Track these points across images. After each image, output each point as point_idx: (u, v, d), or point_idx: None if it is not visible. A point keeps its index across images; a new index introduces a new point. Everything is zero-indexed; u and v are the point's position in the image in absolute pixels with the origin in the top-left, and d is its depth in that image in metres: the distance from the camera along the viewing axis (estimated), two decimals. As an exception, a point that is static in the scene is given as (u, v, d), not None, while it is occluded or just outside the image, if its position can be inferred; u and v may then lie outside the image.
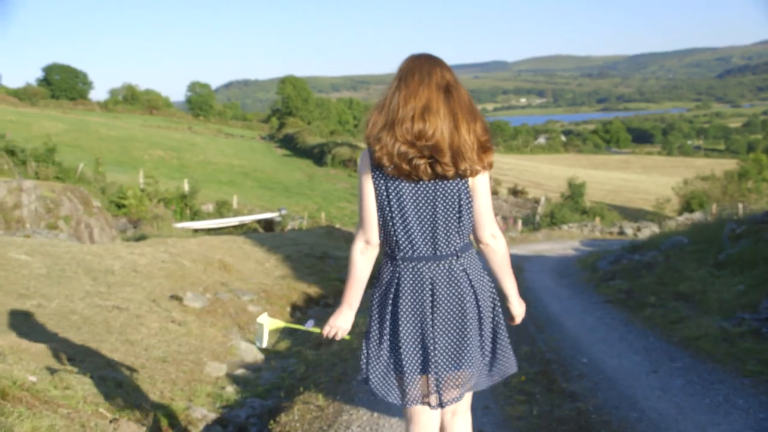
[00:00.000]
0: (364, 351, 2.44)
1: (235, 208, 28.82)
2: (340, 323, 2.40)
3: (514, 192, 43.20)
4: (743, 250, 8.28)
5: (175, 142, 54.07)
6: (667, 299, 7.21)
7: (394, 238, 2.32)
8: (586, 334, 6.29)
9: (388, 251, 2.38)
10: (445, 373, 2.33)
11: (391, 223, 2.30)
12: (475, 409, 3.97)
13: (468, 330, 2.32)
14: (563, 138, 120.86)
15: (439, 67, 2.33)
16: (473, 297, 2.34)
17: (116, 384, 4.38)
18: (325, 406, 4.07)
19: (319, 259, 11.32)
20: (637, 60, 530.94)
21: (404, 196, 2.27)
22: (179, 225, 22.26)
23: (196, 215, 25.98)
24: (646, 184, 58.38)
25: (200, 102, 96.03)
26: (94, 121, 59.91)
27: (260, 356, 6.34)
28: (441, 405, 2.36)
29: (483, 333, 2.38)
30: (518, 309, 2.52)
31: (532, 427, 3.66)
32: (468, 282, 2.33)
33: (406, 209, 2.28)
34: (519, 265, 13.89)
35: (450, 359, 2.32)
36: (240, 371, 5.72)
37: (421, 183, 2.27)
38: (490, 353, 2.44)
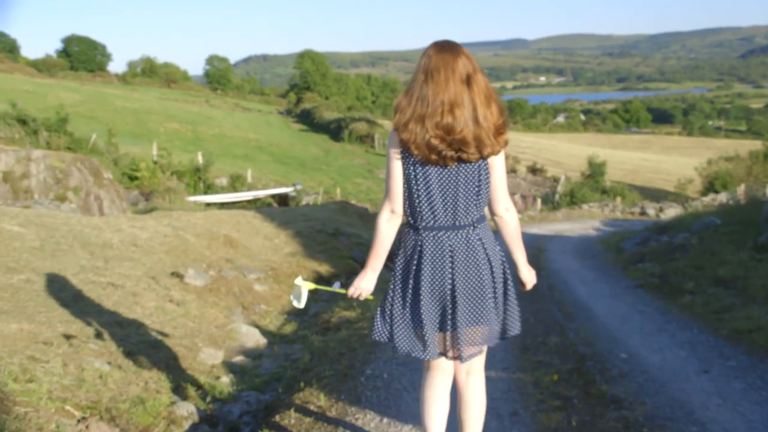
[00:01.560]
0: (388, 312, 2.62)
1: (249, 183, 28.34)
2: (364, 285, 2.61)
3: (533, 170, 42.39)
4: (786, 233, 7.67)
5: (191, 116, 53.57)
6: (706, 285, 6.59)
7: (418, 210, 2.51)
8: (620, 323, 5.70)
9: (411, 222, 2.57)
10: (464, 329, 2.54)
11: (416, 198, 2.49)
12: (503, 416, 3.43)
13: (485, 292, 2.53)
14: (582, 117, 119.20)
15: (461, 57, 2.47)
16: (487, 263, 2.54)
17: (95, 374, 3.90)
18: (327, 408, 3.52)
19: (331, 235, 10.79)
20: (658, 39, 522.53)
21: (431, 178, 2.46)
22: (192, 198, 21.86)
23: (209, 189, 25.55)
24: (667, 164, 57.28)
25: (218, 76, 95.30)
26: (111, 93, 59.48)
27: (262, 341, 5.85)
28: (460, 358, 2.60)
29: (496, 296, 2.58)
30: (528, 276, 2.72)
31: (572, 441, 3.08)
32: (483, 250, 2.54)
33: (431, 188, 2.47)
34: (540, 245, 13.32)
35: (470, 317, 2.53)
36: (238, 358, 5.22)
37: (446, 167, 2.46)
38: (503, 315, 2.64)
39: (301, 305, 2.72)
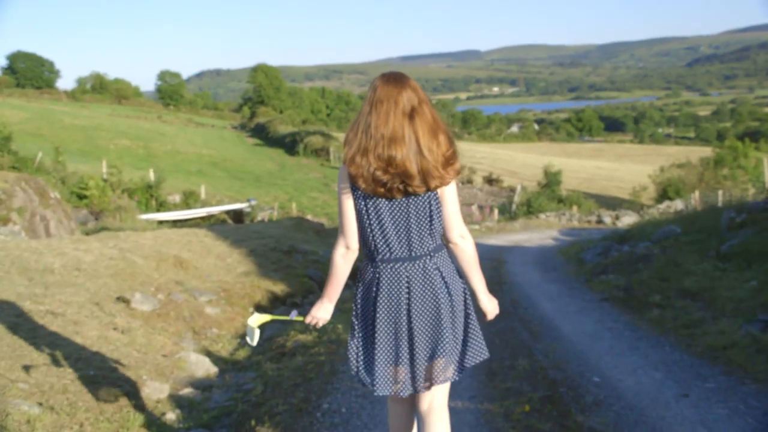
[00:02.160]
0: (353, 346, 2.62)
1: (203, 199, 27.73)
2: (321, 314, 2.64)
3: (489, 180, 42.49)
4: (748, 241, 7.59)
5: (142, 132, 52.58)
6: (673, 298, 6.42)
7: (373, 243, 2.51)
8: (589, 342, 5.47)
9: (368, 254, 2.57)
10: (422, 362, 2.49)
11: (369, 231, 2.50)
12: (473, 455, 3.16)
13: (443, 323, 2.47)
14: (536, 126, 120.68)
15: (406, 90, 2.47)
16: (446, 292, 2.50)
17: (22, 419, 3.51)
18: (279, 451, 3.21)
19: (285, 253, 10.43)
20: (607, 49, 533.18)
21: (381, 210, 2.46)
22: (144, 216, 21.25)
23: (161, 206, 24.90)
24: (620, 172, 58.13)
25: (171, 91, 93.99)
26: (59, 110, 58.15)
27: (213, 370, 5.48)
28: (415, 391, 2.54)
29: (455, 325, 2.51)
30: (488, 305, 2.64)
31: (550, 483, 2.81)
32: (441, 279, 2.50)
33: (383, 220, 2.47)
34: (499, 257, 13.16)
35: (426, 350, 2.49)
36: (186, 391, 4.85)
37: (395, 199, 2.45)
38: (462, 343, 2.56)
39: (253, 343, 2.77)
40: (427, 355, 2.50)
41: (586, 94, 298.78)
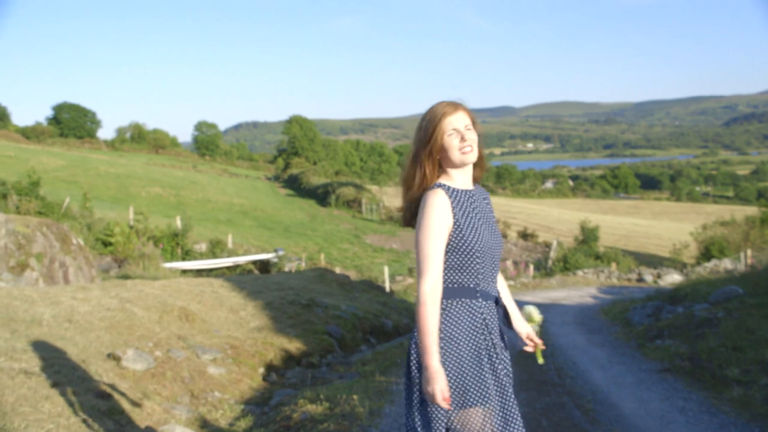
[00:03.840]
0: None
1: (229, 248, 27.09)
2: None
3: (524, 235, 41.40)
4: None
5: (175, 180, 52.69)
6: (755, 373, 5.36)
7: None
8: (659, 427, 4.44)
9: None
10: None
11: None
12: None
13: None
14: (571, 183, 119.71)
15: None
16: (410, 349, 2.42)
17: None
18: None
19: (304, 307, 9.55)
20: (643, 107, 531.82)
21: None
22: (168, 265, 20.62)
23: (187, 255, 24.32)
24: (658, 229, 56.83)
25: (207, 142, 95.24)
26: (96, 159, 58.84)
27: (201, 448, 4.59)
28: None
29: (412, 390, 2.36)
30: (425, 386, 2.24)
31: None
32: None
33: None
34: (538, 316, 12.14)
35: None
36: (161, 478, 3.97)
37: None
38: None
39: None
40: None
41: (621, 151, 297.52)
